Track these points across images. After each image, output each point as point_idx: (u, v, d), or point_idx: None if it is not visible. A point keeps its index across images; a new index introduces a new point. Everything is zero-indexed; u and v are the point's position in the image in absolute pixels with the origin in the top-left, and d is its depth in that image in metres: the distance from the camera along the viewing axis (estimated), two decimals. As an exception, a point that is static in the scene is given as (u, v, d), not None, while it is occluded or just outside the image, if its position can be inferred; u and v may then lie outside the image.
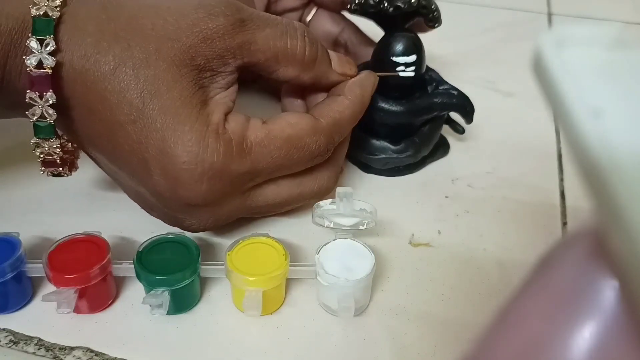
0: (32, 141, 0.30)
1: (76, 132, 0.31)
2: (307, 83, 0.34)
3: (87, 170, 0.40)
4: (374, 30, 0.41)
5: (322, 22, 0.46)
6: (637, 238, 0.12)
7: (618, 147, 0.12)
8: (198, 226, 0.32)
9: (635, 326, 0.14)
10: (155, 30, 0.29)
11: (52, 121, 0.29)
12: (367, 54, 0.44)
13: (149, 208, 0.33)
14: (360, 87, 0.35)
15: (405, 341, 0.30)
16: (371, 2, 0.37)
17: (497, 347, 0.16)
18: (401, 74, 0.38)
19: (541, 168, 0.42)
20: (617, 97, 0.13)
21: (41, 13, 0.28)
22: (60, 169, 0.32)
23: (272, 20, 0.32)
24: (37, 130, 0.29)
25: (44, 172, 0.32)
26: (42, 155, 0.30)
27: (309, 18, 0.46)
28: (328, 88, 0.36)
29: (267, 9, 0.45)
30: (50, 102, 0.28)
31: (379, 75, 0.37)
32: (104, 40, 0.29)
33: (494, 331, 0.16)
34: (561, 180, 0.41)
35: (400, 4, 0.36)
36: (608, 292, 0.14)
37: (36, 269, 0.31)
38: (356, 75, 0.36)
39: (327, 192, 0.35)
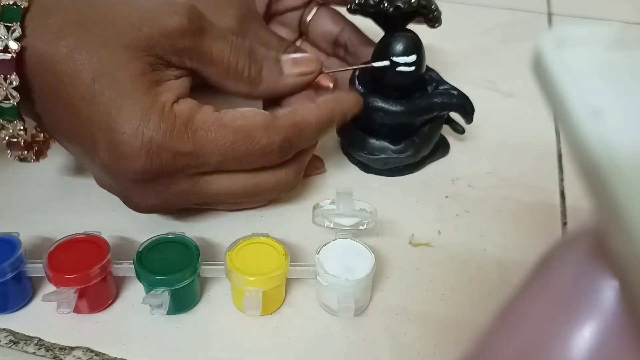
0: None
1: (40, 116, 0.32)
2: (261, 96, 0.36)
3: (87, 170, 0.40)
4: (374, 30, 0.41)
5: (322, 22, 0.46)
6: (637, 238, 0.12)
7: (618, 147, 0.12)
8: (145, 205, 0.33)
9: (635, 326, 0.14)
10: (118, 19, 0.31)
11: (15, 103, 0.30)
12: (366, 54, 0.44)
13: (109, 188, 0.34)
14: (335, 101, 0.36)
15: (405, 341, 0.30)
16: (371, 2, 0.37)
17: (497, 347, 0.16)
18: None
19: (541, 168, 0.42)
20: (617, 97, 0.13)
21: (10, 2, 0.30)
22: (25, 152, 0.33)
23: (226, 34, 0.33)
24: (1, 111, 0.31)
25: (9, 155, 0.33)
26: (7, 138, 0.32)
27: (309, 18, 0.46)
28: (293, 93, 0.37)
29: (268, 8, 0.45)
30: (15, 84, 0.30)
31: (378, 67, 0.38)
32: (67, 26, 0.30)
33: (494, 331, 0.16)
34: (561, 180, 0.41)
35: (400, 4, 0.36)
36: (608, 292, 0.14)
37: (36, 269, 0.31)
38: (314, 72, 0.37)
39: (287, 186, 0.36)
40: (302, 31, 0.47)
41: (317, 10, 0.46)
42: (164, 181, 0.31)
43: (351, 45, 0.45)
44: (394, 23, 0.39)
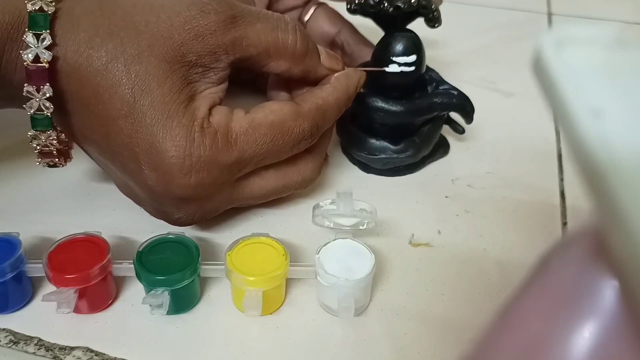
0: (29, 133, 0.30)
1: (71, 125, 0.31)
2: (297, 76, 0.35)
3: (87, 170, 0.40)
4: (374, 31, 0.41)
5: (319, 22, 0.46)
6: (637, 238, 0.12)
7: (618, 147, 0.12)
8: (186, 219, 0.33)
9: (635, 326, 0.14)
10: (149, 27, 0.30)
11: (49, 114, 0.29)
12: (363, 54, 0.44)
13: (139, 202, 0.34)
14: (346, 77, 0.36)
15: (405, 341, 0.30)
16: (371, 2, 0.37)
17: (497, 347, 0.16)
18: (386, 69, 0.38)
19: (541, 168, 0.42)
20: (617, 97, 0.13)
21: (36, 8, 0.28)
22: (57, 159, 0.32)
23: (263, 14, 0.32)
24: (35, 122, 0.30)
25: (40, 162, 0.32)
26: (38, 147, 0.31)
27: (306, 18, 0.46)
28: (315, 82, 0.36)
29: (269, 7, 0.45)
30: (47, 95, 0.29)
31: (380, 70, 0.38)
32: (97, 36, 0.29)
33: (494, 331, 0.16)
34: (561, 180, 0.41)
35: (400, 4, 0.36)
36: (608, 292, 0.14)
37: (36, 269, 0.31)
38: (338, 71, 0.37)
39: (310, 182, 0.36)
40: None
41: (314, 10, 0.46)
42: (208, 194, 0.31)
43: (348, 46, 0.45)
44: (394, 23, 0.39)
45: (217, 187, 0.31)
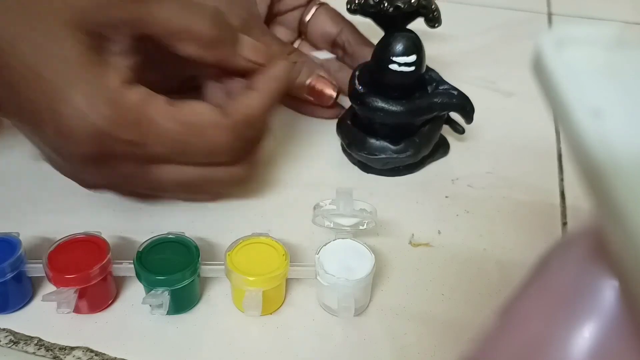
0: None
1: None
2: (210, 63, 0.34)
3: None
4: (374, 31, 0.41)
5: (321, 22, 0.46)
6: (637, 238, 0.12)
7: (618, 147, 0.12)
8: (93, 183, 0.33)
9: (635, 326, 0.14)
10: None
11: None
12: (364, 54, 0.44)
13: (57, 168, 0.33)
14: (271, 80, 0.34)
15: (405, 341, 0.30)
16: (371, 2, 0.37)
17: (497, 347, 0.16)
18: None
19: (541, 168, 0.42)
20: (617, 97, 0.13)
21: None
22: None
23: None
24: None
25: None
26: None
27: (308, 18, 0.46)
28: (242, 73, 0.35)
29: (270, 8, 0.45)
30: None
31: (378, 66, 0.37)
32: (4, 2, 0.29)
33: (494, 331, 0.16)
34: (561, 180, 0.41)
35: (400, 4, 0.36)
36: (608, 291, 0.14)
37: (36, 269, 0.31)
38: (270, 64, 0.35)
39: (241, 180, 0.35)
40: (301, 31, 0.47)
41: (316, 10, 0.46)
42: (110, 165, 0.31)
43: (349, 46, 0.45)
44: (394, 23, 0.39)
45: (116, 159, 0.31)
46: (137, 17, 0.30)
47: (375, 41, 0.40)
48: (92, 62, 0.29)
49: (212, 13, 0.33)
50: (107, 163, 0.31)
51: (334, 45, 0.46)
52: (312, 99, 0.44)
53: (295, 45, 0.47)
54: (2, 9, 0.29)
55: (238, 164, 0.34)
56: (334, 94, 0.43)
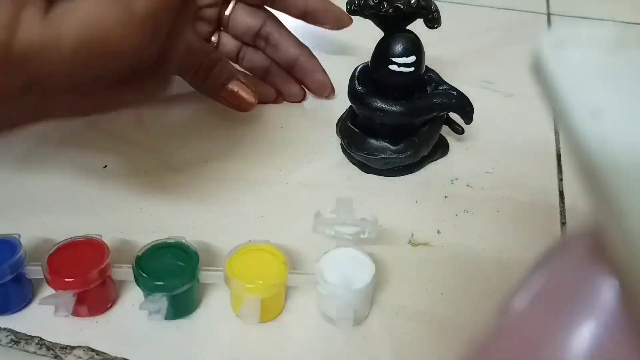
0: None
1: None
2: None
3: (87, 170, 0.40)
4: (373, 31, 0.41)
5: (241, 16, 0.45)
6: (636, 237, 0.12)
7: (617, 147, 0.12)
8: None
9: (635, 326, 0.14)
10: None
11: None
12: (288, 45, 0.45)
13: None
14: None
15: (405, 341, 0.30)
16: (371, 2, 0.37)
17: (496, 347, 0.16)
18: (398, 69, 0.38)
19: (540, 168, 0.42)
20: (617, 97, 0.13)
21: None
22: None
23: None
24: None
25: None
26: None
27: (227, 12, 0.45)
28: None
29: None
30: None
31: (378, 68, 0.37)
32: None
33: (493, 331, 0.16)
34: (560, 180, 0.42)
35: (399, 5, 0.36)
36: (607, 291, 0.14)
37: (36, 271, 0.31)
38: None
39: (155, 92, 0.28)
40: (222, 24, 0.46)
41: (235, 4, 0.45)
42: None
43: (272, 37, 0.45)
44: (394, 24, 0.39)
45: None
46: None
47: (375, 42, 0.40)
48: None
49: None
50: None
51: (257, 36, 0.46)
52: (230, 103, 0.42)
53: (214, 38, 0.47)
54: None
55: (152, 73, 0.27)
56: (253, 101, 0.42)
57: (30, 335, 0.30)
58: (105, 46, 0.23)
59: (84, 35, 0.22)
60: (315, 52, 0.48)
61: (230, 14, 0.46)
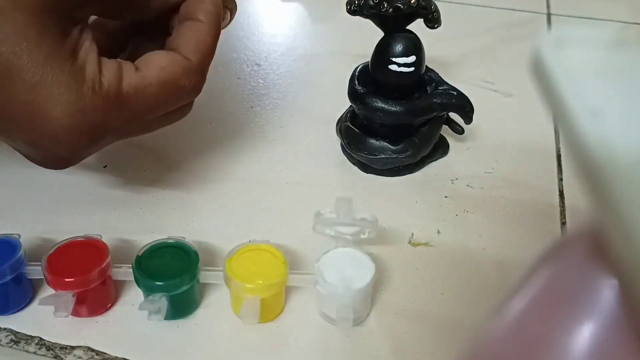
0: None
1: None
2: (157, 5, 0.33)
3: (87, 169, 0.40)
4: (373, 31, 0.41)
5: None
6: (636, 237, 0.12)
7: (617, 147, 0.12)
8: (76, 162, 0.32)
9: (634, 325, 0.14)
10: None
11: None
12: None
13: (28, 157, 0.31)
14: (214, 6, 0.33)
15: (405, 341, 0.30)
16: (371, 3, 0.37)
17: (496, 347, 0.16)
18: (398, 69, 0.38)
19: (540, 168, 0.42)
20: (616, 97, 0.13)
21: None
22: None
23: None
24: None
25: None
26: None
27: None
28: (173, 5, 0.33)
29: None
30: None
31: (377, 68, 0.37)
32: None
33: (493, 330, 0.16)
34: (560, 180, 0.42)
35: (399, 5, 0.36)
36: (607, 291, 0.14)
37: (36, 271, 0.31)
38: None
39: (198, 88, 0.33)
40: None
41: None
42: (99, 146, 0.31)
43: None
44: (394, 24, 0.39)
45: (107, 139, 0.31)
46: None
47: (374, 42, 0.40)
48: (68, 52, 0.27)
49: None
50: (95, 147, 0.30)
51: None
52: None
53: None
54: None
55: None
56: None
57: (30, 336, 0.30)
58: (176, 87, 0.31)
59: (162, 79, 0.30)
60: (315, 52, 0.48)
61: None
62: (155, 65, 0.31)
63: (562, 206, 0.39)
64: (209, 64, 0.33)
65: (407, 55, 0.38)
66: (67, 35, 0.27)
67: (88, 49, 0.29)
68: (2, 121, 0.28)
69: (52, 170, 0.32)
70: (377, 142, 0.40)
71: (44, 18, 0.26)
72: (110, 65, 0.29)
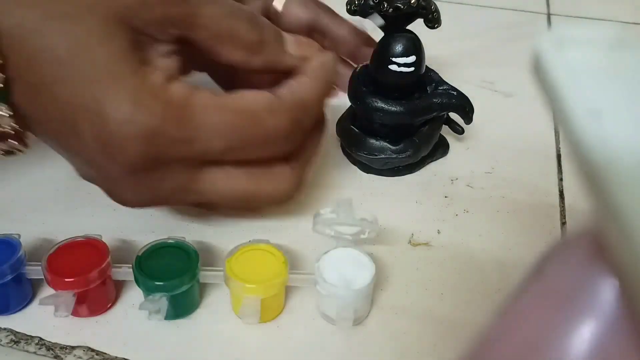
0: None
1: (14, 103, 0.28)
2: (259, 68, 0.32)
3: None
4: (373, 31, 0.41)
5: (293, 9, 0.43)
6: (636, 238, 0.12)
7: (617, 147, 0.12)
8: (134, 200, 0.30)
9: (635, 326, 0.14)
10: None
11: (0, 84, 0.26)
12: (344, 35, 0.43)
13: (95, 182, 0.31)
14: (322, 66, 0.33)
15: (405, 341, 0.30)
16: (371, 2, 0.37)
17: (496, 347, 0.16)
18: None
19: (540, 168, 0.42)
20: (617, 97, 0.13)
21: None
22: (15, 142, 0.28)
23: None
24: None
25: None
26: None
27: (279, 7, 0.44)
28: (287, 74, 0.33)
29: None
30: None
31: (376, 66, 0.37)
32: None
33: (494, 331, 0.16)
34: (560, 180, 0.42)
35: (399, 5, 0.36)
36: (607, 291, 0.14)
37: (36, 271, 0.31)
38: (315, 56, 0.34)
39: (286, 197, 0.33)
40: (272, 19, 0.44)
41: None
42: (159, 174, 0.29)
43: (328, 30, 0.44)
44: (394, 24, 0.39)
45: (166, 165, 0.28)
46: (182, 16, 0.29)
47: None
48: (136, 59, 0.27)
49: (251, 15, 0.31)
50: (154, 172, 0.28)
51: (311, 30, 0.44)
52: None
53: None
54: (28, 3, 0.26)
55: (291, 162, 0.32)
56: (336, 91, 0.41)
57: (30, 335, 0.30)
58: (254, 119, 0.29)
59: (240, 105, 0.29)
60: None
61: (282, 10, 0.43)
62: (237, 94, 0.29)
63: (562, 206, 0.39)
64: (304, 114, 0.31)
65: (407, 55, 0.38)
66: (137, 48, 0.28)
67: (160, 65, 0.28)
68: (62, 122, 0.27)
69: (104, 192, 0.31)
70: (377, 142, 0.40)
71: (115, 25, 0.27)
72: (183, 83, 0.29)
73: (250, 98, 0.29)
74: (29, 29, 0.26)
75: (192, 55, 0.31)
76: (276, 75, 0.33)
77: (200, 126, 0.28)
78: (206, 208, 0.35)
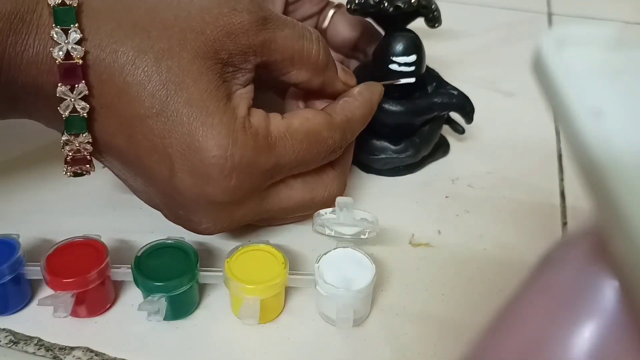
0: (62, 139, 0.28)
1: (95, 132, 0.29)
2: (316, 88, 0.34)
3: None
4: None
5: (339, 28, 0.44)
6: (637, 238, 0.12)
7: (618, 147, 0.12)
8: (214, 228, 0.31)
9: (635, 326, 0.14)
10: (178, 21, 0.28)
11: (85, 114, 0.28)
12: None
13: (161, 209, 0.33)
14: (369, 91, 0.36)
15: (405, 341, 0.30)
16: (371, 2, 0.37)
17: (497, 347, 0.16)
18: (401, 80, 0.38)
19: (541, 168, 0.42)
20: (617, 97, 0.13)
21: (58, 2, 0.26)
22: (88, 165, 0.30)
23: (290, 21, 0.32)
24: (69, 125, 0.28)
25: (67, 172, 0.30)
26: (70, 153, 0.29)
27: (325, 24, 0.45)
28: (331, 96, 0.35)
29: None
30: (83, 93, 0.27)
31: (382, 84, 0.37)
32: (120, 29, 0.27)
33: (494, 331, 0.16)
34: (561, 180, 0.41)
35: (400, 4, 0.36)
36: (608, 292, 0.14)
37: (35, 271, 0.30)
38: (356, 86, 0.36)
39: (335, 198, 0.34)
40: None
41: (332, 16, 0.45)
42: (242, 200, 0.30)
43: (370, 50, 0.43)
44: (394, 23, 0.39)
45: (251, 193, 0.30)
46: (262, 43, 0.30)
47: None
48: (224, 93, 0.29)
49: (319, 38, 0.33)
50: (238, 202, 0.30)
51: (354, 49, 0.45)
52: None
53: None
54: (121, 35, 0.27)
55: (335, 167, 0.35)
56: None
57: (29, 336, 0.30)
58: (318, 137, 0.31)
59: (306, 127, 0.31)
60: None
61: (327, 27, 0.44)
62: (300, 116, 0.32)
63: (563, 206, 0.39)
64: (350, 131, 0.34)
65: (408, 55, 0.38)
66: (223, 81, 0.29)
67: (241, 95, 0.30)
68: (150, 154, 0.28)
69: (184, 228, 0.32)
70: (378, 142, 0.40)
71: (205, 60, 0.28)
72: (258, 111, 0.30)
73: (313, 119, 0.32)
74: (122, 62, 0.27)
75: (260, 79, 0.32)
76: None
77: (281, 152, 0.30)
78: (265, 224, 0.36)
